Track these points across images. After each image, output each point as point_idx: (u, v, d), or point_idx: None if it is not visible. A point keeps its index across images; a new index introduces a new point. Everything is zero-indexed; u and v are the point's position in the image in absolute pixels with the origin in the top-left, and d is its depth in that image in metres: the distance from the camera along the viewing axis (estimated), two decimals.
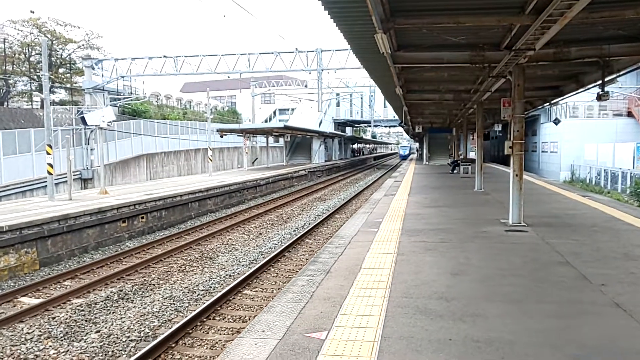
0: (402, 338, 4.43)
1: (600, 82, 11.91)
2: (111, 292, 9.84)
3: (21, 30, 40.07)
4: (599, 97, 11.87)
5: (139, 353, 6.67)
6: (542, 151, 39.03)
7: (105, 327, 8.06)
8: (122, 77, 41.36)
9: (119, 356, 7.03)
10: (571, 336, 4.45)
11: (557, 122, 31.89)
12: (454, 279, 6.31)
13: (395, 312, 5.10)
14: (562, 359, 4.00)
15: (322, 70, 41.44)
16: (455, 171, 27.51)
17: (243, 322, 8.17)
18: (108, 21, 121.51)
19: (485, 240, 8.78)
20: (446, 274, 6.54)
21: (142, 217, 16.20)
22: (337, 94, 59.56)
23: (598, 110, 35.45)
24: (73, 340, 7.56)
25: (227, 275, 11.14)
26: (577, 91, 15.60)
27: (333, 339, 4.43)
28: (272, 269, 11.40)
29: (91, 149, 29.32)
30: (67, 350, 7.18)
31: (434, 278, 6.35)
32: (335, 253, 7.84)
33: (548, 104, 21.27)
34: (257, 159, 45.35)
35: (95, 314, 8.72)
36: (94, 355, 7.02)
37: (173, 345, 7.23)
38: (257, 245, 14.28)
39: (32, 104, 41.63)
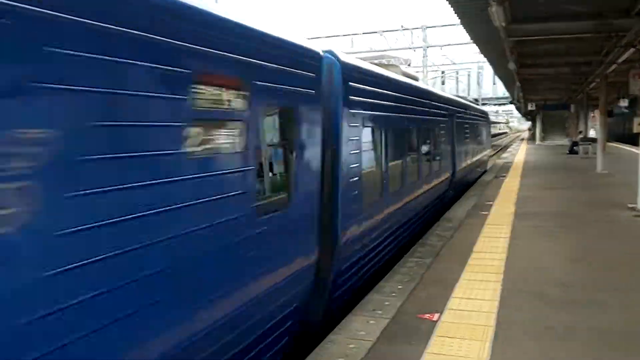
0: (518, 324, 4.30)
1: None
2: None
3: None
4: None
5: None
6: None
7: None
8: None
9: None
10: None
11: None
12: (573, 265, 5.96)
13: (510, 297, 4.94)
14: None
15: (428, 47, 40.16)
16: (573, 151, 25.51)
17: None
18: None
19: (610, 225, 8.14)
20: (565, 260, 6.19)
21: None
22: (442, 72, 57.55)
23: None
24: None
25: None
26: None
27: (445, 321, 4.42)
28: None
29: None
30: None
31: (552, 264, 6.04)
32: (443, 236, 7.73)
33: None
34: None
35: None
36: None
37: None
38: None
39: None
